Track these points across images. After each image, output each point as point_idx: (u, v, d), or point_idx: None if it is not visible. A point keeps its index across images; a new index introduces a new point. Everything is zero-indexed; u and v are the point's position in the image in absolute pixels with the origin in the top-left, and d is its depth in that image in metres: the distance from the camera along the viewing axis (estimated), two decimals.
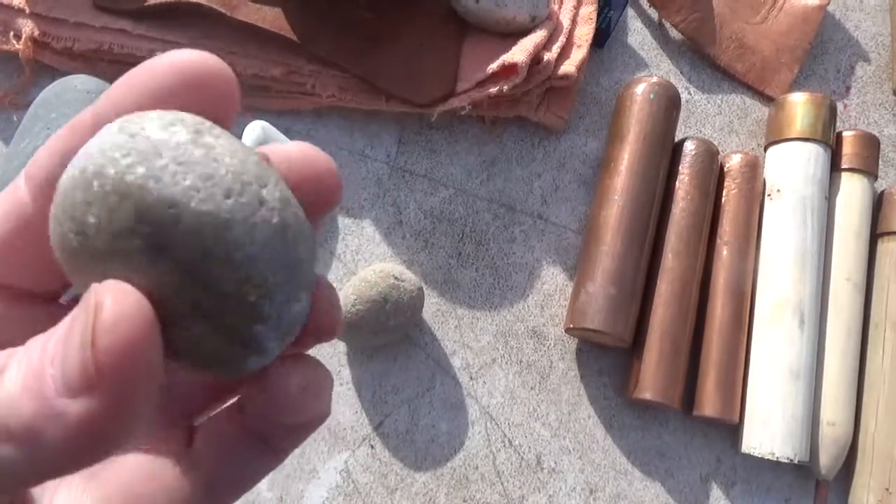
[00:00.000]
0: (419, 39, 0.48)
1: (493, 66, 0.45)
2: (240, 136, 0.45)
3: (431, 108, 0.47)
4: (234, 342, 0.13)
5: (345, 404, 0.45)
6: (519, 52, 0.45)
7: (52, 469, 0.13)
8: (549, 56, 0.46)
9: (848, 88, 0.54)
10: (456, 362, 0.46)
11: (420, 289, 0.44)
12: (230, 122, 0.15)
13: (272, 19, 0.46)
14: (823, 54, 0.55)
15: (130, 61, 0.47)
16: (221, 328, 0.13)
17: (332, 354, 0.46)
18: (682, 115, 0.52)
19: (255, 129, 0.45)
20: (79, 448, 0.12)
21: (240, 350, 0.14)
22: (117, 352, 0.12)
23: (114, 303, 0.12)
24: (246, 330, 0.13)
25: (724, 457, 0.46)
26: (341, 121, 0.49)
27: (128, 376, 0.12)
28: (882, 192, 0.49)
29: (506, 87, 0.45)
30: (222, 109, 0.15)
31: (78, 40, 0.46)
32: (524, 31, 0.47)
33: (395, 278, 0.43)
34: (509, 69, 0.45)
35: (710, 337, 0.45)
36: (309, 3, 0.47)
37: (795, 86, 0.54)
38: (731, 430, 0.46)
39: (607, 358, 0.47)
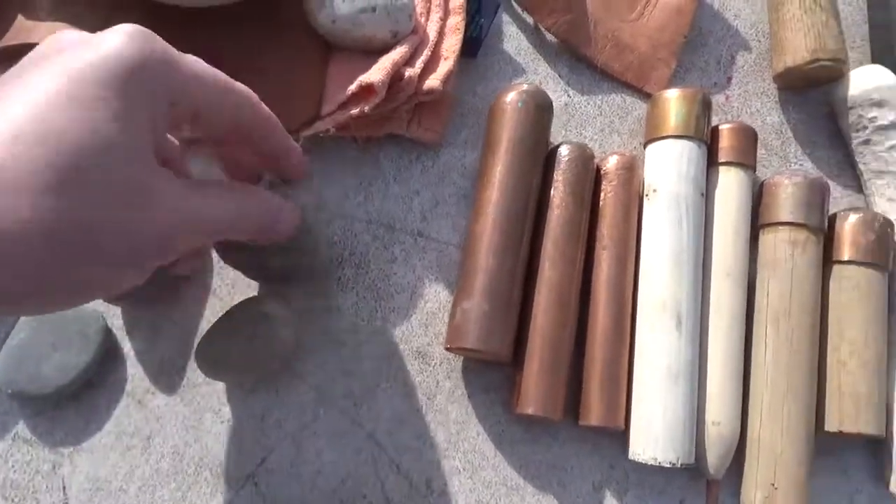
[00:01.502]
0: (283, 64, 0.47)
1: (352, 87, 0.44)
2: None
3: (296, 133, 0.46)
4: None
5: (226, 443, 0.44)
6: (376, 72, 0.44)
7: None
8: (412, 72, 0.45)
9: (729, 79, 0.54)
10: (339, 390, 0.45)
11: (294, 321, 0.43)
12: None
13: None
14: (703, 46, 0.55)
15: None
16: None
17: (210, 392, 0.45)
18: (563, 118, 0.52)
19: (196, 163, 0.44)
20: None
21: None
22: None
23: None
24: None
25: (616, 463, 0.46)
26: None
27: None
28: (762, 183, 0.48)
29: (366, 108, 0.44)
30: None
31: None
32: (386, 49, 0.46)
33: (264, 313, 0.42)
34: (367, 90, 0.44)
35: (592, 344, 0.44)
36: (159, 32, 0.46)
37: (677, 80, 0.53)
38: (622, 436, 0.45)
39: (494, 374, 0.46)
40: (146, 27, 0.46)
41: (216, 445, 0.44)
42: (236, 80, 0.46)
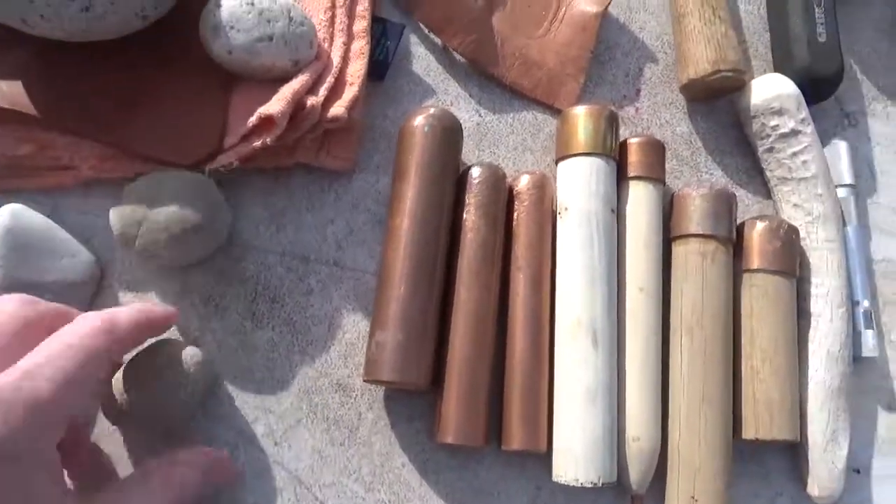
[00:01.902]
0: (183, 96, 0.46)
1: (253, 119, 0.43)
2: None
3: (198, 167, 0.44)
4: None
5: None
6: (276, 102, 0.43)
7: None
8: (314, 100, 0.44)
9: (638, 91, 0.55)
10: (259, 429, 0.44)
11: (201, 365, 0.42)
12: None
13: (9, 94, 0.43)
14: (612, 59, 0.55)
15: None
16: None
17: (117, 442, 0.43)
18: (475, 138, 0.51)
19: (3, 215, 0.42)
20: None
21: None
22: None
23: None
24: None
25: (543, 485, 0.46)
26: (114, 190, 0.46)
27: None
28: (673, 196, 0.49)
29: (269, 140, 0.43)
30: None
31: None
32: (287, 77, 0.45)
33: (167, 357, 0.41)
34: (267, 121, 0.43)
35: (511, 368, 0.44)
36: (49, 71, 0.44)
37: (587, 94, 0.54)
38: (547, 458, 0.45)
39: (417, 402, 0.46)
40: (40, 63, 0.45)
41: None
42: (131, 117, 0.45)
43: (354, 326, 0.47)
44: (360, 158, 0.50)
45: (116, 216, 0.41)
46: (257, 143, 0.43)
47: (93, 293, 0.45)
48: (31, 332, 0.34)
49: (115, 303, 0.45)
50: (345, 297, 0.47)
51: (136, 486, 0.36)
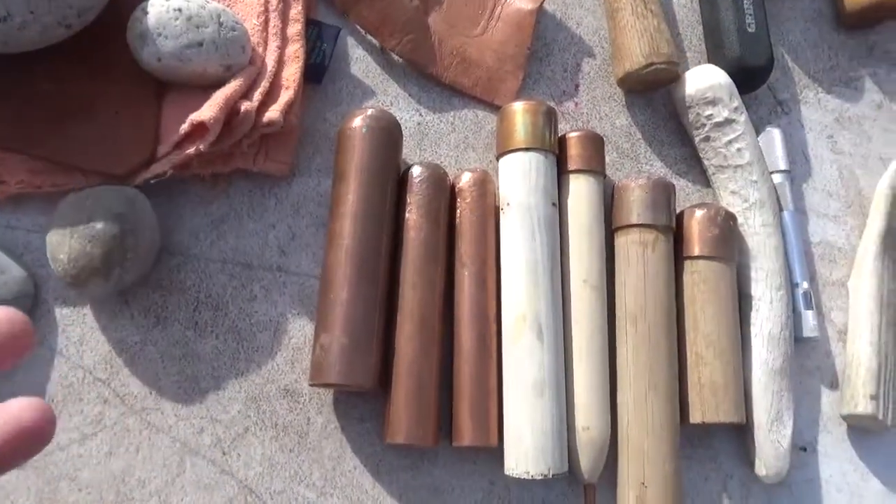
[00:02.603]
0: (114, 106, 0.45)
1: (185, 126, 0.42)
2: None
3: (132, 177, 0.44)
4: None
5: None
6: (207, 109, 0.42)
7: None
8: (248, 105, 0.44)
9: (577, 86, 0.55)
10: (205, 440, 0.44)
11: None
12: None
13: None
14: (549, 55, 0.56)
15: None
16: None
17: (64, 459, 0.42)
18: (416, 138, 0.51)
19: None
20: None
21: None
22: None
23: None
24: None
25: (496, 479, 0.46)
26: (45, 205, 0.45)
27: None
28: (613, 187, 0.49)
29: (203, 147, 0.43)
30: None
31: None
32: (220, 83, 0.45)
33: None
34: (200, 128, 0.42)
35: (459, 365, 0.44)
36: None
37: (526, 91, 0.54)
38: (499, 452, 0.45)
39: (366, 403, 0.46)
40: None
41: None
42: (61, 129, 0.43)
43: (300, 331, 0.46)
44: (300, 162, 0.49)
45: (48, 245, 0.41)
46: (191, 151, 0.43)
47: (27, 308, 0.43)
48: None
49: (52, 319, 0.44)
50: (289, 302, 0.47)
51: None
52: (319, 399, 0.45)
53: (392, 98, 0.52)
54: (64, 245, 0.40)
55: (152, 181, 0.43)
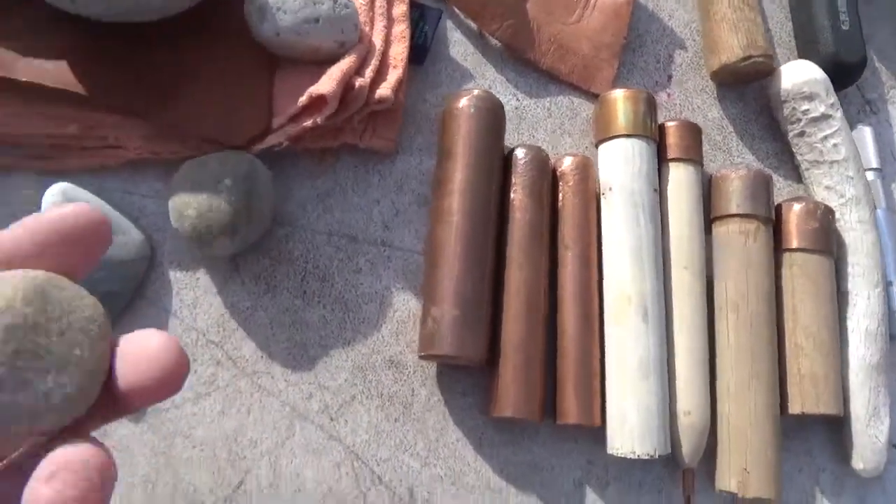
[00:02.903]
0: (227, 77, 0.46)
1: (303, 99, 0.43)
2: (40, 204, 0.42)
3: (248, 147, 0.45)
4: None
5: (200, 468, 0.42)
6: (327, 82, 0.43)
7: None
8: (362, 81, 0.45)
9: (669, 77, 0.56)
10: (314, 405, 0.45)
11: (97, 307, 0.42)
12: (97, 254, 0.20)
13: (56, 73, 0.42)
14: (642, 46, 0.56)
15: None
16: None
17: (179, 417, 0.43)
18: (513, 122, 0.52)
19: (55, 193, 0.42)
20: None
21: None
22: None
23: None
24: None
25: (595, 459, 0.46)
26: (159, 171, 0.46)
27: None
28: (711, 177, 0.50)
29: (319, 120, 0.43)
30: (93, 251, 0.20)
31: None
32: (334, 59, 0.46)
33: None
34: (318, 101, 0.43)
35: (563, 344, 0.45)
36: (97, 50, 0.44)
37: (619, 80, 0.55)
38: (599, 431, 0.46)
39: (469, 378, 0.46)
40: (88, 44, 0.44)
41: (189, 471, 0.42)
42: (178, 97, 0.44)
43: (404, 305, 0.47)
44: (402, 141, 0.50)
45: (171, 205, 0.42)
46: (307, 123, 0.44)
47: (143, 271, 0.44)
48: None
49: (167, 281, 0.45)
50: (394, 276, 0.48)
51: None
52: (423, 372, 0.46)
53: (490, 82, 0.53)
54: (192, 202, 0.41)
55: (277, 149, 0.44)
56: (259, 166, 0.43)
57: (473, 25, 0.54)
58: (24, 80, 0.41)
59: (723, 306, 0.47)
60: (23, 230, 0.19)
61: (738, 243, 0.47)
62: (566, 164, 0.48)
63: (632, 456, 0.42)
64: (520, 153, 0.47)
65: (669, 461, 0.46)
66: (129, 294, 0.44)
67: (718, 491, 0.45)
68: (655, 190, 0.48)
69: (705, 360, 0.46)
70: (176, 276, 0.45)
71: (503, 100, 0.52)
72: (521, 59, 0.53)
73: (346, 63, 0.45)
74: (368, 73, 0.46)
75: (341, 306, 0.46)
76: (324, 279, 0.47)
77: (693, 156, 0.49)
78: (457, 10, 0.54)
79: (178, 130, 0.45)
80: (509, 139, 0.52)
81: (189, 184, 0.41)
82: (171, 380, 0.19)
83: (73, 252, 0.19)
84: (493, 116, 0.47)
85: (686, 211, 0.48)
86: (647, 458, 0.42)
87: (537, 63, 0.53)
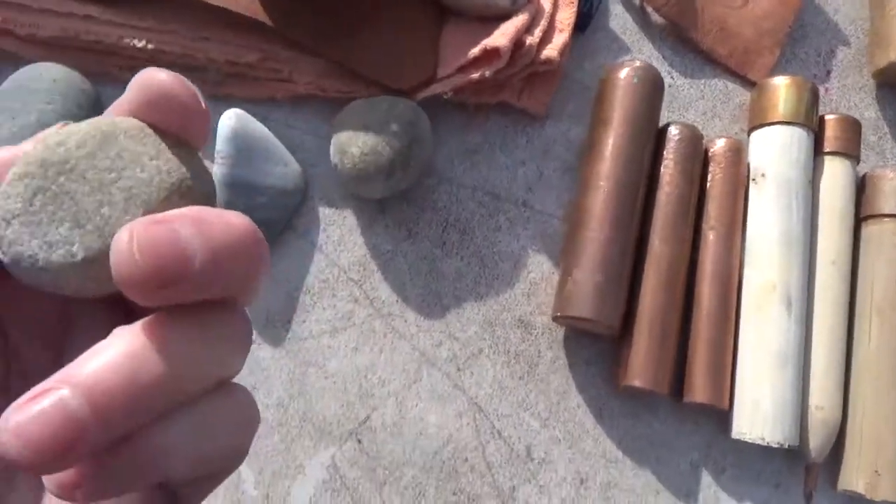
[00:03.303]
0: (398, 23, 0.47)
1: (475, 51, 0.44)
2: (215, 125, 0.44)
3: (413, 94, 0.46)
4: None
5: (330, 398, 0.44)
6: (500, 37, 0.44)
7: None
8: (532, 40, 0.45)
9: (829, 72, 0.54)
10: (442, 353, 0.45)
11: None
12: (200, 133, 0.18)
13: (246, 3, 0.44)
14: (804, 38, 0.55)
15: (98, 48, 0.45)
16: None
17: (315, 347, 0.44)
18: (666, 99, 0.52)
19: (230, 116, 0.44)
20: None
21: None
22: None
23: None
24: None
25: (715, 443, 0.46)
26: (320, 109, 0.48)
27: None
28: (865, 175, 0.49)
29: (488, 73, 0.44)
30: (188, 125, 0.18)
31: (42, 26, 0.44)
32: (505, 15, 0.46)
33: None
34: (491, 54, 0.44)
35: (698, 323, 0.45)
36: None
37: (777, 69, 0.54)
38: (721, 416, 0.45)
39: (596, 346, 0.46)
40: None
41: (320, 400, 0.44)
42: (353, 38, 0.46)
43: (539, 267, 0.47)
44: (553, 106, 0.50)
45: (335, 140, 0.43)
46: (475, 75, 0.44)
47: (298, 202, 0.46)
48: None
49: (315, 217, 0.47)
50: (532, 237, 0.48)
51: None
52: (551, 335, 0.46)
53: (646, 57, 0.53)
54: (357, 140, 0.42)
55: (444, 97, 0.45)
56: (423, 116, 0.44)
57: (637, 0, 0.53)
58: (214, 3, 0.43)
59: (866, 307, 0.45)
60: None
61: (891, 245, 0.45)
62: (718, 145, 0.48)
63: (760, 442, 0.42)
64: (674, 129, 0.47)
65: (790, 455, 0.45)
66: (283, 224, 0.46)
67: (841, 490, 0.44)
68: (810, 181, 0.47)
69: (842, 357, 0.45)
70: (325, 213, 0.47)
71: None
72: (682, 37, 0.53)
73: (519, 20, 0.46)
74: (537, 32, 0.47)
75: (478, 261, 0.47)
76: (464, 232, 0.47)
77: (851, 150, 0.48)
78: None
79: (348, 68, 0.46)
80: (661, 116, 0.51)
81: (357, 122, 0.43)
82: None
83: (166, 109, 0.17)
84: (652, 89, 0.47)
85: (839, 206, 0.47)
86: (776, 446, 0.41)
87: (698, 43, 0.52)
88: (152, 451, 0.15)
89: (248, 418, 0.18)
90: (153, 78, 0.17)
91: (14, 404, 0.14)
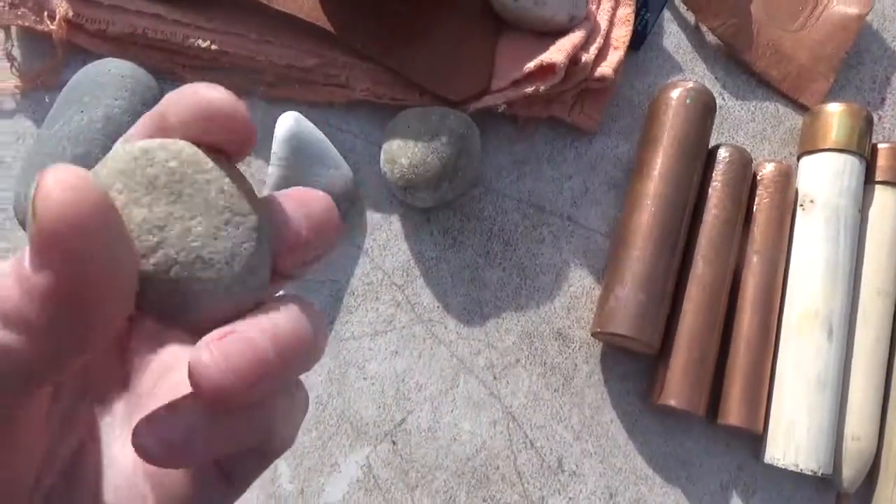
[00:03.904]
0: (454, 35, 0.48)
1: (531, 66, 0.45)
2: (272, 128, 0.45)
3: (465, 104, 0.46)
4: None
5: (368, 399, 0.45)
6: (557, 53, 0.44)
7: (44, 354, 0.14)
8: (587, 57, 0.46)
9: (883, 100, 0.54)
10: (480, 361, 0.46)
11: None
12: (243, 150, 0.18)
13: (309, 9, 0.46)
14: (859, 64, 0.54)
15: (164, 46, 0.46)
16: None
17: (356, 349, 0.46)
18: (716, 120, 0.52)
19: (288, 119, 0.45)
20: (56, 325, 0.14)
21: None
22: (54, 219, 0.13)
23: (52, 177, 0.13)
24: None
25: (746, 465, 0.46)
26: (373, 115, 0.49)
27: (72, 243, 0.13)
28: None
29: (542, 87, 0.45)
30: (234, 142, 0.18)
31: (112, 23, 0.46)
32: (561, 31, 0.47)
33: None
34: (547, 69, 0.44)
35: (737, 345, 0.45)
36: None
37: (830, 96, 0.53)
38: (753, 439, 0.45)
39: (632, 363, 0.47)
40: None
41: (358, 400, 0.45)
42: (410, 47, 0.47)
43: (580, 281, 0.48)
44: (603, 122, 0.51)
45: (385, 149, 0.44)
46: (529, 90, 0.45)
47: (347, 206, 0.47)
48: None
49: (363, 221, 0.48)
50: (574, 251, 0.48)
51: None
52: (588, 349, 0.47)
53: (698, 77, 0.53)
54: (407, 151, 0.43)
55: (498, 110, 0.46)
56: (474, 129, 0.45)
57: (691, 18, 0.53)
58: (279, 9, 0.44)
59: None
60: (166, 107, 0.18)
61: None
62: (768, 169, 0.48)
63: (793, 468, 0.42)
64: (723, 151, 0.47)
65: (819, 482, 0.45)
66: None
67: None
68: (860, 210, 0.46)
69: (881, 388, 0.45)
70: (372, 217, 0.48)
71: None
72: (736, 58, 0.53)
73: (575, 37, 0.46)
74: (593, 49, 0.47)
75: (519, 272, 0.48)
76: (507, 243, 0.48)
77: None
78: (679, 2, 0.53)
79: (404, 77, 0.47)
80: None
81: (408, 132, 0.43)
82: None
83: (219, 129, 0.17)
84: (704, 110, 0.47)
85: (889, 236, 0.46)
86: (809, 473, 0.42)
87: (752, 64, 0.52)
88: (269, 413, 0.18)
89: (305, 408, 0.20)
90: (205, 96, 0.17)
91: (209, 336, 0.16)
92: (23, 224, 0.42)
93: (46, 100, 0.47)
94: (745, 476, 0.46)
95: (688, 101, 0.46)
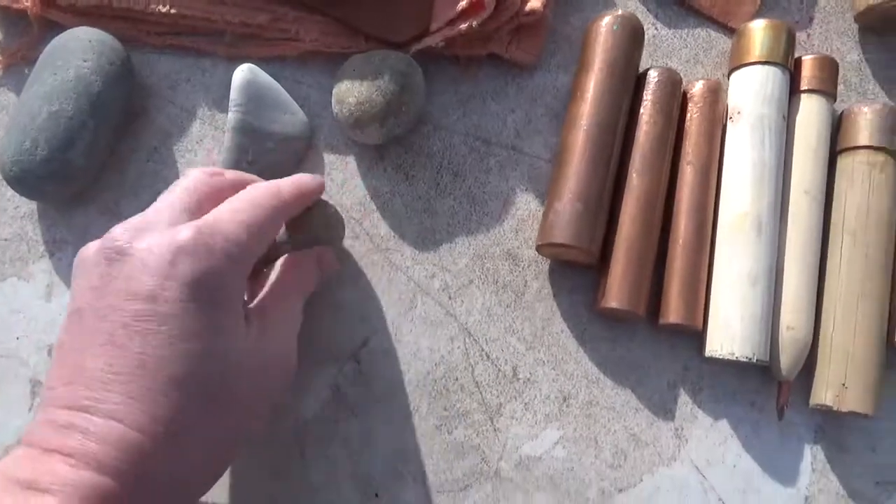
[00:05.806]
0: None
1: (463, 3, 0.48)
2: (230, 79, 0.49)
3: (407, 46, 0.50)
4: None
5: (332, 323, 0.48)
6: None
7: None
8: None
9: (811, 19, 0.56)
10: (436, 284, 0.50)
11: (339, 215, 0.47)
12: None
13: None
14: None
15: (129, 15, 0.51)
16: None
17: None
18: (649, 49, 0.55)
19: (244, 69, 0.49)
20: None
21: None
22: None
23: None
24: None
25: (691, 365, 0.49)
26: (325, 66, 0.52)
27: None
28: (841, 112, 0.51)
29: (475, 23, 0.48)
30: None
31: None
32: None
33: (318, 208, 0.50)
34: (476, 5, 0.48)
35: (673, 250, 0.48)
36: None
37: (759, 17, 0.56)
38: (697, 340, 0.48)
39: (578, 277, 0.50)
40: None
41: (322, 326, 0.48)
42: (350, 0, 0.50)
43: (526, 205, 0.51)
44: (542, 58, 0.54)
45: (335, 92, 0.48)
46: (462, 27, 0.48)
47: (304, 148, 0.51)
48: (214, 199, 0.39)
49: (321, 162, 0.51)
50: (520, 178, 0.52)
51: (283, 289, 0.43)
52: (537, 266, 0.50)
53: (631, 9, 0.56)
54: (353, 91, 0.46)
55: (438, 45, 0.49)
56: (415, 67, 0.48)
57: None
58: None
59: (839, 231, 0.47)
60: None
61: (863, 172, 0.48)
62: (697, 87, 0.50)
63: (730, 357, 0.44)
64: (653, 73, 0.50)
65: (763, 374, 0.48)
66: (292, 168, 0.50)
67: (813, 405, 0.46)
68: (784, 117, 0.49)
69: (814, 280, 0.47)
70: (329, 159, 0.52)
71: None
72: None
73: None
74: None
75: (469, 200, 0.51)
76: (456, 174, 0.51)
77: (827, 88, 0.50)
78: None
79: (348, 25, 0.50)
80: (644, 65, 0.54)
81: (353, 74, 0.47)
82: None
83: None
84: (634, 35, 0.50)
85: (813, 140, 0.49)
86: (745, 360, 0.44)
87: None
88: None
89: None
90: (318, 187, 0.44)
91: None
92: (9, 181, 0.46)
93: (26, 72, 0.51)
94: (692, 375, 0.49)
95: (615, 27, 0.49)
